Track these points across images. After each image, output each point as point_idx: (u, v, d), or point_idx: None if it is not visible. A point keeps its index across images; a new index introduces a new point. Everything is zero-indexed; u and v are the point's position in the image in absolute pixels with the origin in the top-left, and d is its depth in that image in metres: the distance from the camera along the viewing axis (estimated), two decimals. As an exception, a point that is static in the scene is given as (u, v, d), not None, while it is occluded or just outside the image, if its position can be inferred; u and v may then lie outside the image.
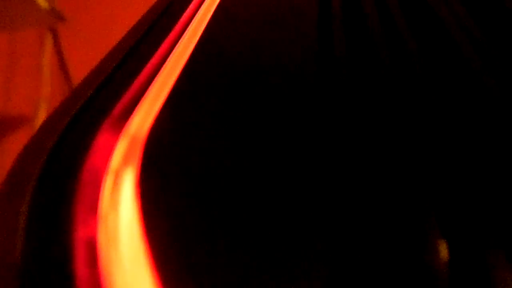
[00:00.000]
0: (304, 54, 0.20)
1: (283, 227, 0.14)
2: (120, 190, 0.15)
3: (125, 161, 0.17)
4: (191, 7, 0.25)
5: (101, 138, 0.17)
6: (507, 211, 0.14)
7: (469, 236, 0.14)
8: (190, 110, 0.19)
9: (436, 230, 0.14)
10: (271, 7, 0.24)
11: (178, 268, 0.14)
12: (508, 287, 0.13)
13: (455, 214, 0.14)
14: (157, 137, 0.18)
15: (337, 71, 0.18)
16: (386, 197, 0.14)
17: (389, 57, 0.19)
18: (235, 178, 0.15)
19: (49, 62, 1.00)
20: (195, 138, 0.18)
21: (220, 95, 0.19)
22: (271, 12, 0.24)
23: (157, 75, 0.21)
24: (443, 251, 0.14)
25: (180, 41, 0.23)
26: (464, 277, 0.13)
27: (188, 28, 0.24)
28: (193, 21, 0.25)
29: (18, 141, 0.97)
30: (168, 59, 0.22)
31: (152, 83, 0.21)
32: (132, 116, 0.19)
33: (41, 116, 0.97)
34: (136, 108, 0.19)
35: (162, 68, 0.22)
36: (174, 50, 0.23)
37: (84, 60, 0.93)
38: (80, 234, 0.14)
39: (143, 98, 0.20)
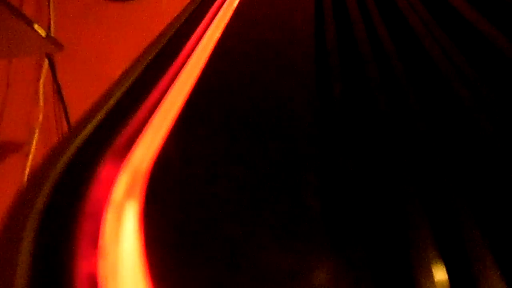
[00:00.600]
0: (303, 95, 0.20)
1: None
2: (122, 224, 0.16)
3: (127, 194, 0.17)
4: (190, 42, 0.26)
5: (104, 170, 0.17)
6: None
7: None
8: (192, 143, 0.19)
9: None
10: (272, 42, 0.24)
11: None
12: None
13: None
14: (159, 170, 0.18)
15: (334, 112, 0.19)
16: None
17: (386, 102, 0.19)
18: (236, 213, 0.16)
19: (45, 88, 1.01)
20: (197, 171, 0.18)
21: (222, 128, 0.20)
22: (271, 46, 0.25)
23: (158, 108, 0.21)
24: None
25: (179, 76, 0.23)
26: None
27: (188, 62, 0.25)
28: (193, 55, 0.25)
29: (12, 166, 0.96)
30: (168, 92, 0.23)
31: (154, 116, 0.21)
32: (134, 147, 0.19)
33: (35, 141, 0.97)
34: (138, 139, 0.19)
35: (163, 101, 0.22)
36: (174, 84, 0.23)
37: (80, 87, 0.94)
38: (82, 269, 0.14)
39: (144, 130, 0.20)
